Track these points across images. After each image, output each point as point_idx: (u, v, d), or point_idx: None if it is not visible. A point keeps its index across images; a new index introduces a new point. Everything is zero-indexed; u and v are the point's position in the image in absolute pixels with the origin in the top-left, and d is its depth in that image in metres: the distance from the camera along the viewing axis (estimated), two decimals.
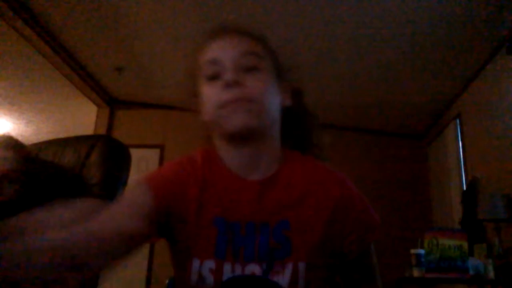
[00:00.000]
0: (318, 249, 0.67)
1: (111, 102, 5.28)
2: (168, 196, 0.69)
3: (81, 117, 5.53)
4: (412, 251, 2.58)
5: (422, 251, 2.52)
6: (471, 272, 2.42)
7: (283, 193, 0.70)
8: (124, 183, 1.22)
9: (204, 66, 0.72)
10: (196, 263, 0.66)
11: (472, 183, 3.59)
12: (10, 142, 1.18)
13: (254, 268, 0.66)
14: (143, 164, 5.14)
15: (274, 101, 0.72)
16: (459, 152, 4.11)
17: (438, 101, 4.38)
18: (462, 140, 4.08)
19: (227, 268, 0.65)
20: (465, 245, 2.44)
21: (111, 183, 1.19)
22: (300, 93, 0.82)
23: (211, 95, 0.70)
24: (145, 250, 4.52)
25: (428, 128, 5.03)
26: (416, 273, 2.52)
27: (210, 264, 0.66)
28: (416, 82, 4.05)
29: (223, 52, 0.70)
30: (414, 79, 4.01)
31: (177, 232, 0.70)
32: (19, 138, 1.21)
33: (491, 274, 2.45)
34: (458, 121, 4.16)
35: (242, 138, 0.70)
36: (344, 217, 0.69)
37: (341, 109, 4.84)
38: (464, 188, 3.86)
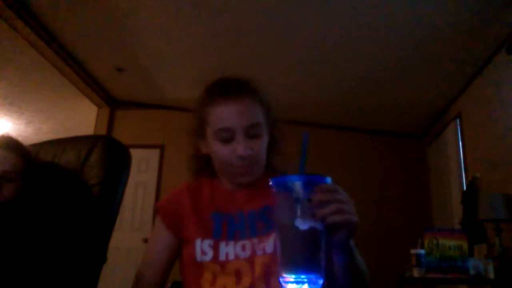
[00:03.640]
0: None
1: (111, 102, 5.28)
2: (171, 214, 0.96)
3: (81, 117, 5.53)
4: (412, 251, 2.58)
5: (422, 251, 2.52)
6: (471, 272, 2.42)
7: (266, 191, 0.85)
8: (124, 184, 1.22)
9: (217, 131, 0.89)
10: (198, 242, 0.89)
11: (472, 183, 3.59)
12: (10, 142, 1.18)
13: (245, 243, 0.89)
14: (143, 164, 5.15)
15: (266, 148, 0.93)
16: (459, 152, 4.11)
17: (438, 101, 4.38)
18: (462, 140, 4.07)
19: (222, 244, 0.89)
20: (465, 245, 2.45)
21: (111, 184, 1.19)
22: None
23: (224, 155, 0.89)
24: None
25: (428, 128, 5.03)
26: (416, 273, 2.53)
27: (209, 242, 0.89)
28: (416, 82, 4.05)
29: (234, 121, 0.87)
30: (414, 79, 4.01)
31: (184, 229, 0.94)
32: (19, 138, 1.21)
33: (491, 274, 2.46)
34: (458, 121, 4.16)
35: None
36: None
37: (341, 109, 4.84)
38: (464, 188, 3.85)
